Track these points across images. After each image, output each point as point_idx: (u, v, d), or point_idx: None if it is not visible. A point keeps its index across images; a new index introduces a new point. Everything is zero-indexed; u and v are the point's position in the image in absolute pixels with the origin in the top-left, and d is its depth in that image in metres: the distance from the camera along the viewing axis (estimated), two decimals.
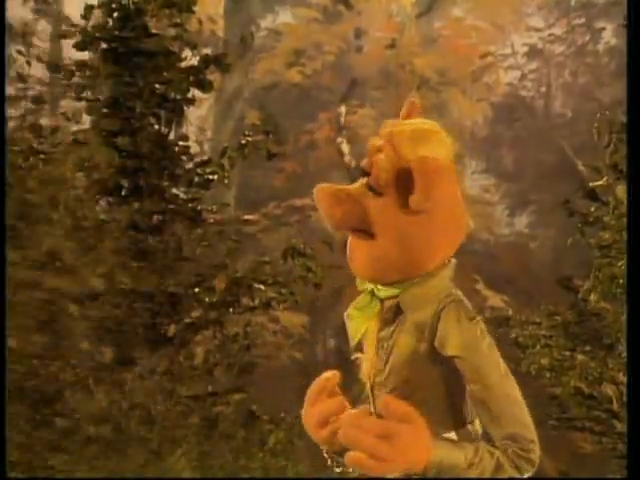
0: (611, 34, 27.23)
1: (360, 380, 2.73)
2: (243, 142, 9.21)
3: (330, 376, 2.75)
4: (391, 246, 2.62)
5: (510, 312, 13.99)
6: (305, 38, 30.71)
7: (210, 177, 9.09)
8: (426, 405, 2.59)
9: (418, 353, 2.59)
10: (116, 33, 8.70)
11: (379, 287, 2.68)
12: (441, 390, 2.60)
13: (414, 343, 2.60)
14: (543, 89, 31.95)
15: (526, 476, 2.55)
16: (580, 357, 10.81)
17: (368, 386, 2.70)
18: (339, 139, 27.20)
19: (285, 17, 32.84)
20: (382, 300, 2.68)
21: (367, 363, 2.71)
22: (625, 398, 9.87)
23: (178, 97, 8.96)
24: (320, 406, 2.69)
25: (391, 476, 2.54)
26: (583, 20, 29.05)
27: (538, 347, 11.57)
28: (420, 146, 2.65)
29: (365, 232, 2.64)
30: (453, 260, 2.73)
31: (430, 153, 2.63)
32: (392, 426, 2.48)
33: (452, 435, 2.58)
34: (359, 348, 2.74)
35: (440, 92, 30.44)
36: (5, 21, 8.31)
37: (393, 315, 2.66)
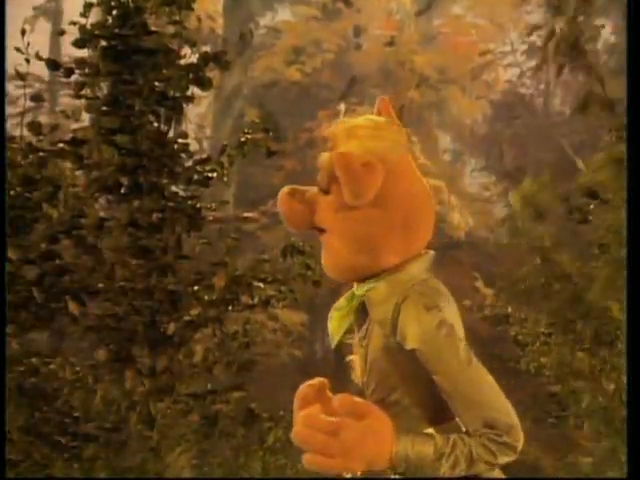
0: (610, 32, 27.23)
1: (354, 382, 2.73)
2: (242, 140, 9.19)
3: (315, 382, 2.75)
4: (339, 243, 2.64)
5: (509, 310, 14.01)
6: (304, 36, 30.71)
7: (209, 175, 9.07)
8: (410, 400, 2.58)
9: (390, 349, 2.58)
10: (115, 31, 8.69)
11: (356, 285, 2.70)
12: (422, 385, 2.59)
13: (383, 339, 2.59)
14: (542, 87, 31.96)
15: (506, 460, 2.52)
16: (580, 355, 10.82)
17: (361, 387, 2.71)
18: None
19: (284, 15, 32.86)
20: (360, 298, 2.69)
21: (356, 364, 2.72)
22: (625, 396, 9.87)
23: (177, 95, 8.94)
24: (304, 411, 2.68)
25: (351, 474, 2.52)
26: (582, 18, 29.03)
27: (537, 345, 11.58)
28: (350, 142, 2.66)
29: (323, 231, 2.68)
30: (429, 252, 2.72)
31: (358, 149, 2.62)
32: (341, 422, 2.46)
33: (429, 431, 2.55)
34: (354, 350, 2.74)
35: (439, 90, 30.45)
36: (5, 21, 8.32)
37: (365, 313, 2.67)
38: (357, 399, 2.51)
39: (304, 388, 2.73)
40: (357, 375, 2.71)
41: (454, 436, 2.49)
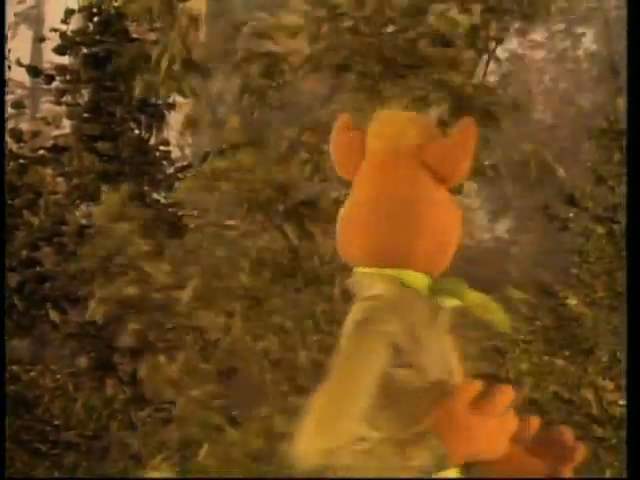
0: (591, 40, 27.36)
1: None
2: (224, 147, 9.19)
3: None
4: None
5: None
6: (287, 43, 30.76)
7: None
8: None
9: None
10: (96, 37, 8.68)
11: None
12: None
13: None
14: (523, 95, 32.08)
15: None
16: (559, 362, 10.84)
17: None
18: (326, 146, 27.24)
19: (267, 23, 32.94)
20: None
21: None
22: (605, 404, 9.91)
23: (159, 102, 8.93)
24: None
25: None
26: (563, 26, 29.20)
27: (517, 352, 11.60)
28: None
29: None
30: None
31: None
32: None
33: None
34: None
35: None
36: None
37: None
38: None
39: None
40: None
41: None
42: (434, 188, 2.63)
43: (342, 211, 2.73)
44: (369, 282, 2.54)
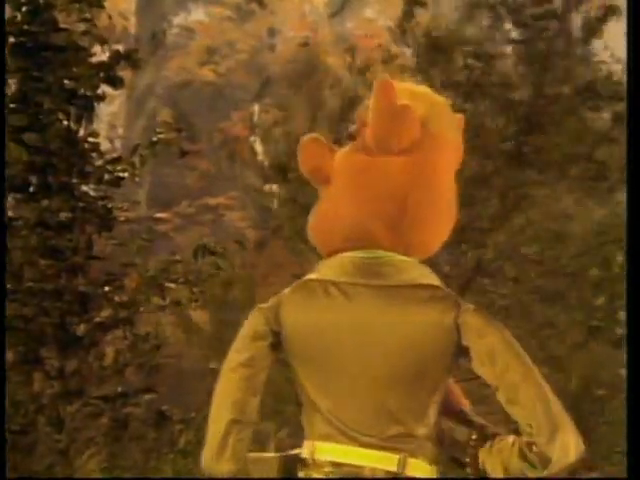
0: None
1: None
2: (155, 139, 9.12)
3: None
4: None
5: None
6: (218, 36, 30.60)
7: (121, 175, 8.98)
8: None
9: None
10: (24, 27, 8.55)
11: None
12: None
13: None
14: None
15: None
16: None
17: None
18: (252, 138, 27.16)
19: (198, 15, 32.72)
20: None
21: None
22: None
23: (88, 93, 8.83)
24: None
25: None
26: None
27: None
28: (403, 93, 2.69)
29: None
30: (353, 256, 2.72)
31: (405, 92, 2.62)
32: None
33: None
34: None
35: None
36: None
37: None
38: None
39: None
40: None
41: None
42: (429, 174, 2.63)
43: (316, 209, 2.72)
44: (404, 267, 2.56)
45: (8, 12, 8.74)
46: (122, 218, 9.29)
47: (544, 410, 2.39)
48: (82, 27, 8.88)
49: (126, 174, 9.00)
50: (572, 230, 10.67)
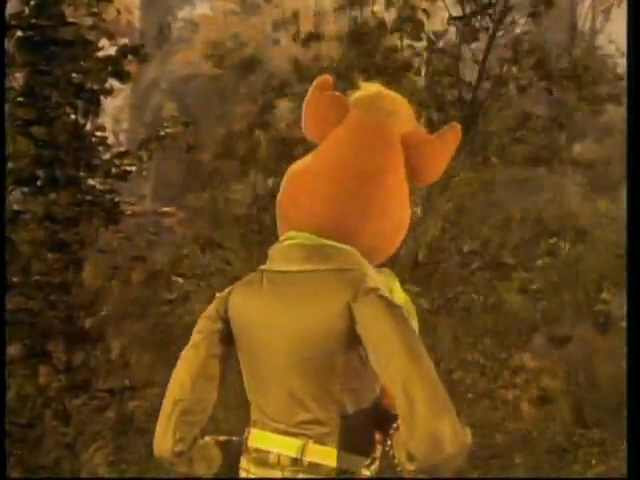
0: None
1: None
2: (162, 134, 9.14)
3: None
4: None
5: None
6: (223, 30, 30.58)
7: (127, 168, 9.00)
8: None
9: None
10: (32, 21, 8.56)
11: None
12: None
13: None
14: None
15: None
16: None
17: None
18: (257, 132, 27.11)
19: (202, 8, 32.69)
20: None
21: None
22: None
23: (95, 87, 8.85)
24: None
25: None
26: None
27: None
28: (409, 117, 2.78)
29: None
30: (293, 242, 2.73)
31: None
32: None
33: None
34: None
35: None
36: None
37: None
38: None
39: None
40: None
41: None
42: (401, 178, 2.64)
43: (295, 168, 2.70)
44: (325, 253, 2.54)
45: (16, 6, 8.75)
46: (129, 212, 9.31)
47: (415, 407, 2.29)
48: (90, 21, 8.90)
49: (133, 168, 9.02)
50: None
